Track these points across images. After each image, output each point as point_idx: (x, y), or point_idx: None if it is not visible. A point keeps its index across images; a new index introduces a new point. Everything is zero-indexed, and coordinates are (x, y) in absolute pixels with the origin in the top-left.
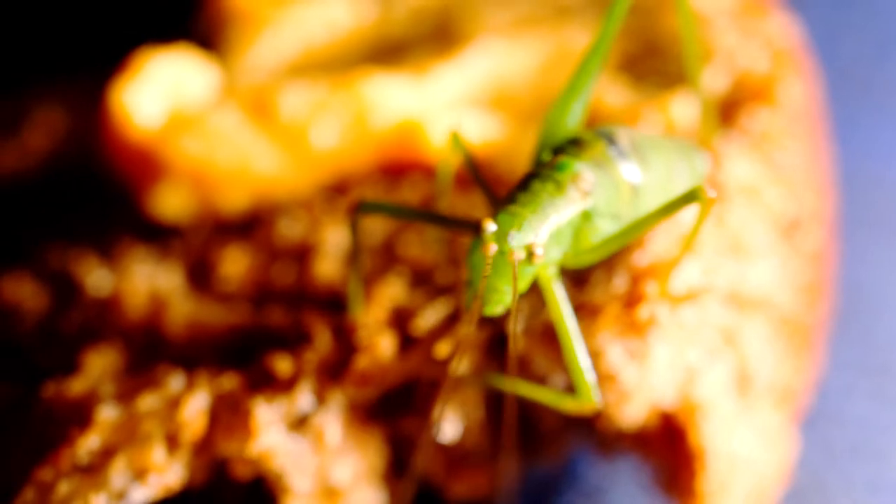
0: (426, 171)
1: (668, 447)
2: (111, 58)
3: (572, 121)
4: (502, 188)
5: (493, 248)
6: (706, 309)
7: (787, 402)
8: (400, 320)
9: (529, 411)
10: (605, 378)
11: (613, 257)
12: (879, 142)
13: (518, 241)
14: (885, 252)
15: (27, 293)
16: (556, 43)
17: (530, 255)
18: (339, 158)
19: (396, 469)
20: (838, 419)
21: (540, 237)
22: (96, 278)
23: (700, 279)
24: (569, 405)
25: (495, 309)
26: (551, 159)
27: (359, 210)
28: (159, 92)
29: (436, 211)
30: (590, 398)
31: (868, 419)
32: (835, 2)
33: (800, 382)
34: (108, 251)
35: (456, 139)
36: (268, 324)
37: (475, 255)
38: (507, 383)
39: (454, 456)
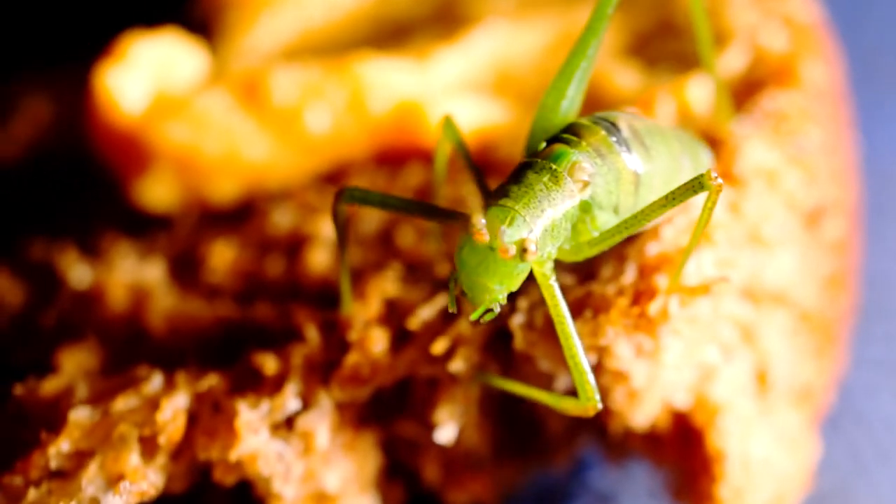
0: (425, 159)
1: (682, 450)
2: (101, 44)
3: (569, 107)
4: (503, 174)
5: (482, 242)
6: (721, 303)
7: (809, 402)
8: (394, 315)
9: (534, 413)
10: (614, 376)
11: (623, 248)
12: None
13: (509, 236)
14: None
15: (5, 287)
16: (563, 25)
17: (523, 251)
18: (334, 145)
19: (390, 474)
20: (863, 419)
21: (534, 233)
22: (78, 272)
23: (714, 271)
24: (569, 406)
25: (484, 308)
26: (546, 148)
27: (343, 198)
28: (145, 76)
29: (427, 201)
30: (591, 399)
31: (894, 419)
32: None
33: (822, 381)
34: (91, 244)
35: (448, 124)
36: (254, 319)
37: (463, 251)
38: (505, 383)
39: (452, 460)
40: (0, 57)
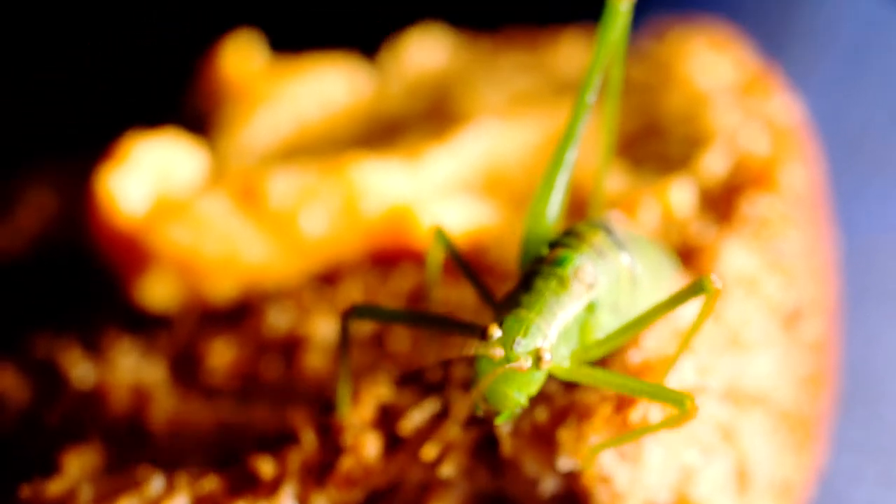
0: (417, 260)
1: None
2: (103, 138)
3: (552, 213)
4: (495, 276)
5: (498, 353)
6: (702, 407)
7: (789, 498)
8: (387, 419)
9: None
10: (598, 480)
11: (606, 358)
12: (890, 217)
13: (524, 346)
14: (891, 328)
15: (10, 384)
16: (554, 123)
17: (538, 359)
18: (329, 246)
19: None
20: None
21: (548, 339)
22: (81, 370)
23: (695, 378)
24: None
25: (508, 415)
26: (549, 253)
27: (351, 315)
28: (146, 178)
29: (431, 310)
30: (686, 402)
31: None
32: (843, 72)
33: (801, 476)
34: (93, 341)
35: (439, 234)
36: (252, 421)
37: (482, 362)
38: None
39: None
40: (5, 150)
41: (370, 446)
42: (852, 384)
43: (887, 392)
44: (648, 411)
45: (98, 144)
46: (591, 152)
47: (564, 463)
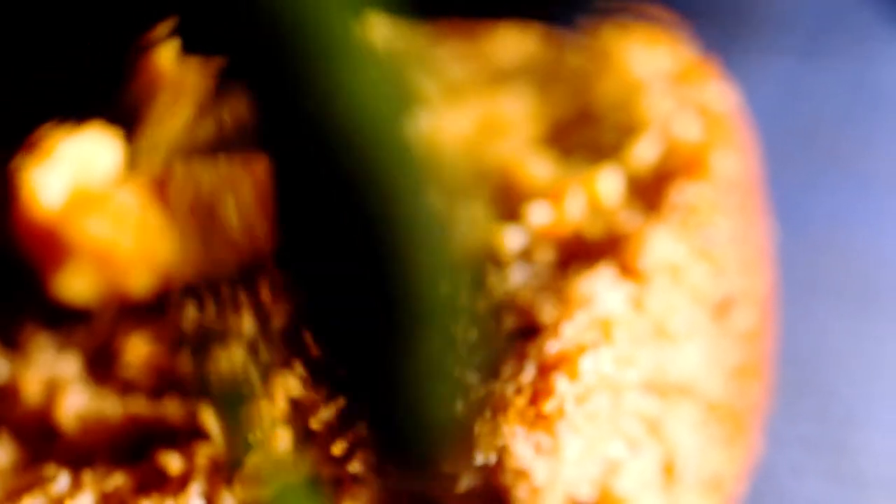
0: None
1: None
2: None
3: None
4: None
5: None
6: (624, 399)
7: (718, 492)
8: (299, 414)
9: None
10: (515, 474)
11: (524, 346)
12: (842, 209)
13: None
14: (839, 321)
15: None
16: (487, 111)
17: None
18: (247, 237)
19: None
20: (786, 499)
21: None
22: None
23: (613, 368)
24: None
25: None
26: None
27: None
28: (64, 171)
29: None
30: None
31: (820, 500)
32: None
33: (732, 470)
34: (10, 336)
35: None
36: (164, 417)
37: None
38: None
39: None
40: None
41: (280, 442)
42: (798, 377)
43: (833, 386)
44: (563, 402)
45: (20, 137)
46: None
47: (481, 457)
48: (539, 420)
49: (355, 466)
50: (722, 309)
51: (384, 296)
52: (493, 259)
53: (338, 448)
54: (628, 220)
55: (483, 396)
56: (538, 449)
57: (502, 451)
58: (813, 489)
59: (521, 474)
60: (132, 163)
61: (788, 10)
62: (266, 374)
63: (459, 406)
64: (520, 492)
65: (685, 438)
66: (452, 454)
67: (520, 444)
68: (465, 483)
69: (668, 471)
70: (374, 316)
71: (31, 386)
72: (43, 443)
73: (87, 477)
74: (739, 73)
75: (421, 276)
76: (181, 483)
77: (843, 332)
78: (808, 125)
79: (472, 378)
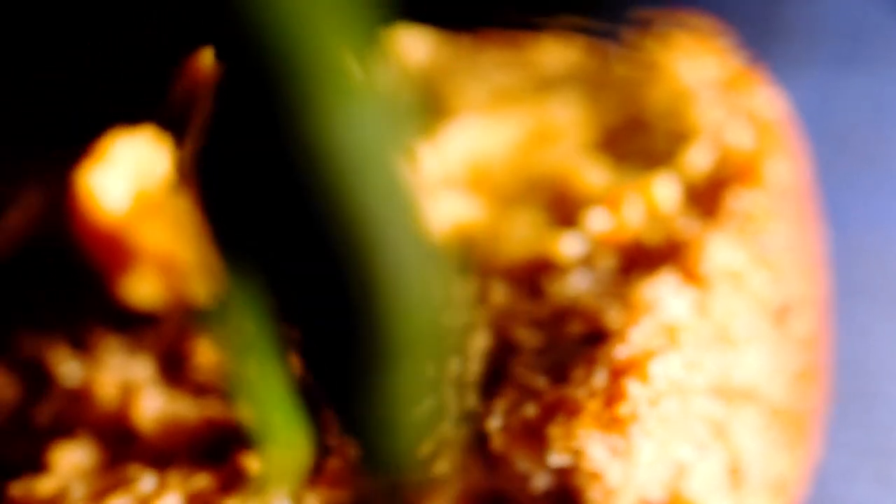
0: None
1: None
2: (87, 138)
3: None
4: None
5: None
6: (691, 402)
7: (783, 495)
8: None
9: None
10: (589, 476)
11: (592, 350)
12: (879, 212)
13: None
14: (879, 324)
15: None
16: (536, 119)
17: None
18: None
19: None
20: None
21: None
22: (68, 369)
23: (682, 373)
24: None
25: None
26: None
27: None
28: (125, 176)
29: None
30: None
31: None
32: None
33: (795, 473)
34: (81, 339)
35: None
36: (239, 419)
37: None
38: None
39: None
40: None
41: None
42: (846, 382)
43: (881, 390)
44: (636, 405)
45: (82, 143)
46: (573, 149)
47: (555, 459)
48: (613, 423)
49: (440, 467)
50: (781, 314)
51: (361, 325)
52: (551, 265)
53: (423, 449)
54: (686, 226)
55: (554, 400)
56: (613, 451)
57: (577, 454)
58: (862, 493)
59: (595, 476)
60: (181, 167)
61: (822, 19)
62: None
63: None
64: (594, 493)
65: (749, 442)
66: (527, 456)
67: (594, 447)
68: (540, 484)
69: (735, 473)
70: (351, 341)
71: (106, 389)
72: (122, 444)
73: (173, 478)
74: (776, 81)
75: (402, 306)
76: (264, 482)
77: (883, 335)
78: (843, 130)
79: (542, 380)
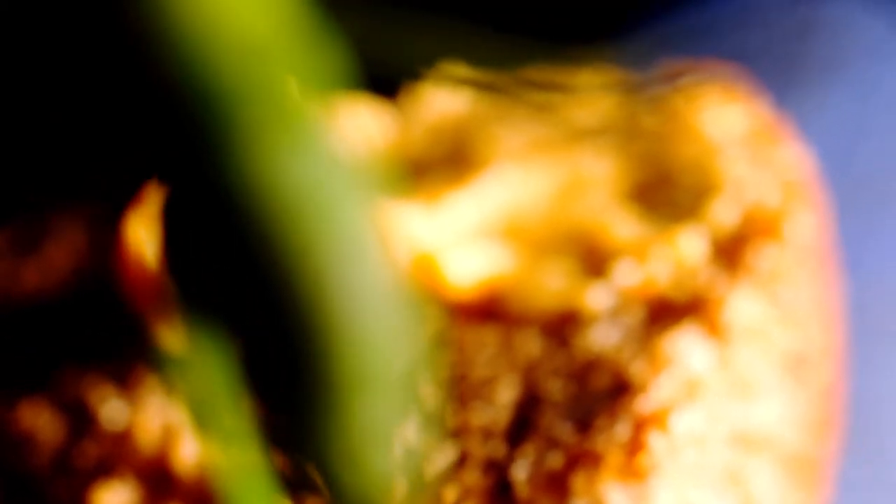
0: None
1: None
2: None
3: None
4: (514, 323)
5: None
6: (710, 450)
7: None
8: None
9: None
10: None
11: (616, 402)
12: (880, 250)
13: None
14: None
15: (41, 422)
16: (570, 169)
17: None
18: None
19: None
20: None
21: None
22: (111, 409)
23: (701, 425)
24: None
25: None
26: None
27: None
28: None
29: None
30: None
31: None
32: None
33: None
34: (124, 381)
35: None
36: (279, 464)
37: None
38: None
39: None
40: (37, 186)
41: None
42: (857, 422)
43: (892, 429)
44: (657, 456)
45: (127, 181)
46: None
47: None
48: (634, 473)
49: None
50: (799, 365)
51: (311, 367)
52: (579, 317)
53: (448, 495)
54: (710, 279)
55: (579, 451)
56: (633, 500)
57: (598, 502)
58: None
59: None
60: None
61: (842, 58)
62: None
63: (556, 459)
64: None
65: (764, 488)
66: None
67: (615, 496)
68: None
69: None
70: (302, 383)
71: (148, 431)
72: (162, 487)
73: None
74: (798, 126)
75: (356, 347)
76: None
77: None
78: (865, 170)
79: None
